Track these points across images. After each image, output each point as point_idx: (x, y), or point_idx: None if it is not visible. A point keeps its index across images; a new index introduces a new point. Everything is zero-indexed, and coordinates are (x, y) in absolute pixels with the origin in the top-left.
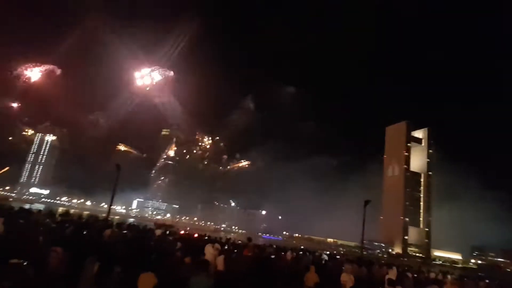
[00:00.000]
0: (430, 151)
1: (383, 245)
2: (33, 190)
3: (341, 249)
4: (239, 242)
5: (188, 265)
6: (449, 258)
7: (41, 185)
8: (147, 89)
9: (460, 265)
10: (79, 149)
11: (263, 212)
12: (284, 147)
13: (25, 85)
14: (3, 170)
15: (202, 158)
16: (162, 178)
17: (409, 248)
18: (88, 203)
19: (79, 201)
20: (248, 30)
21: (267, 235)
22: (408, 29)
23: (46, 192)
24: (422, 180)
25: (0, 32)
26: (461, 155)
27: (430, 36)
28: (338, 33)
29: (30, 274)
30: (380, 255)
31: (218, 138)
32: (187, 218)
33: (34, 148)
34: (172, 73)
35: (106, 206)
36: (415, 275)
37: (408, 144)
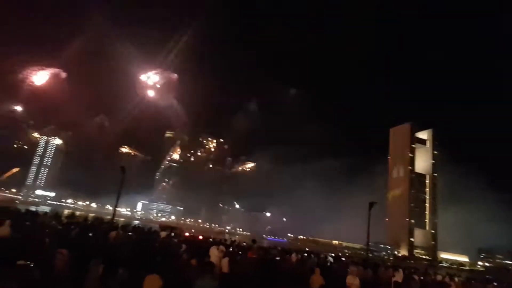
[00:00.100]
0: (435, 152)
1: (389, 247)
2: (39, 192)
3: (346, 251)
4: (244, 244)
5: (193, 267)
6: (455, 260)
7: (46, 188)
8: (151, 92)
9: (467, 268)
10: (84, 151)
11: (268, 214)
12: (288, 149)
13: (30, 88)
14: (13, 171)
15: (207, 160)
16: (167, 180)
17: (415, 250)
18: (94, 205)
19: (84, 203)
20: (249, 32)
21: (272, 237)
22: (408, 29)
23: (51, 194)
24: (427, 181)
25: (6, 36)
26: (466, 156)
27: (431, 36)
28: (338, 33)
29: (37, 276)
30: (386, 257)
31: (222, 140)
32: (192, 220)
33: (39, 151)
34: (175, 75)
35: (111, 208)
36: (422, 278)
37: (413, 145)
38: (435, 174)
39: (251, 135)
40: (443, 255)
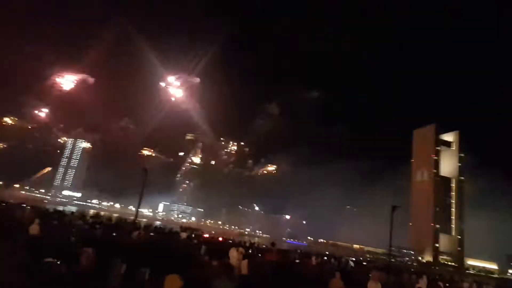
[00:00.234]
0: (461, 155)
1: (412, 252)
2: (66, 193)
3: (368, 255)
4: (263, 246)
5: (212, 268)
6: (483, 267)
7: (73, 188)
8: (174, 95)
9: (496, 275)
10: (109, 154)
11: (287, 217)
12: (309, 152)
13: (59, 93)
14: (44, 171)
15: (227, 162)
16: (188, 182)
17: (440, 257)
18: (117, 205)
19: (108, 204)
20: (271, 33)
21: (292, 240)
22: (433, 26)
23: (78, 195)
24: (453, 185)
25: (36, 44)
26: (494, 159)
27: (458, 33)
28: (360, 33)
29: (63, 272)
30: (409, 263)
31: (242, 143)
32: (212, 221)
33: (67, 153)
34: (198, 79)
35: (134, 208)
36: (447, 285)
37: (437, 148)
38: (462, 178)
39: (272, 138)
40: (470, 262)
